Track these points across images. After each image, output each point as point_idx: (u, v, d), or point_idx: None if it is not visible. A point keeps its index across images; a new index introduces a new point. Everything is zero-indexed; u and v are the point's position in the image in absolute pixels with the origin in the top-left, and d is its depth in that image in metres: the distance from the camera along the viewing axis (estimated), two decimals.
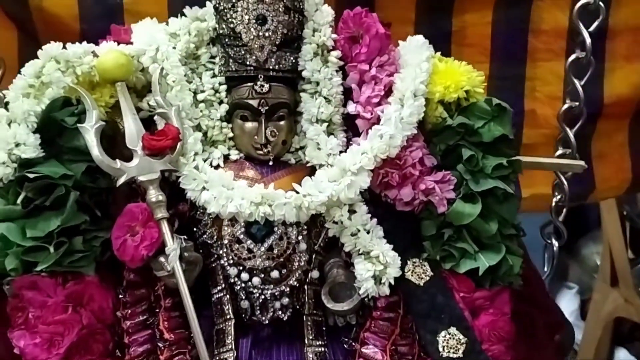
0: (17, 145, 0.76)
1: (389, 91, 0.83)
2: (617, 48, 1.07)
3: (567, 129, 1.00)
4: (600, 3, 0.95)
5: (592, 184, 1.13)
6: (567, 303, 1.97)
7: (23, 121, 0.76)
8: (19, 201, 0.75)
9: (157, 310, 0.81)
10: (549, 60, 1.05)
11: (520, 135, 1.07)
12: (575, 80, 0.98)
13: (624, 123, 1.11)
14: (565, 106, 1.01)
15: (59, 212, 0.76)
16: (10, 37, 0.99)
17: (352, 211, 0.80)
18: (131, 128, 0.77)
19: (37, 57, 0.82)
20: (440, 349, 0.78)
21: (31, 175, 0.75)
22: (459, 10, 1.03)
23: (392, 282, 0.80)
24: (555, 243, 1.07)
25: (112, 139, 0.80)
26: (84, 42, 0.83)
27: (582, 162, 0.99)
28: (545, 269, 1.08)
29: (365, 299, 0.81)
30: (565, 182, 1.02)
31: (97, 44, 0.84)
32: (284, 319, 0.81)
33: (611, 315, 1.82)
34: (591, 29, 0.96)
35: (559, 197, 1.04)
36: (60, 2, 0.98)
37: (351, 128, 0.85)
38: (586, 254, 2.12)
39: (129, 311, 0.80)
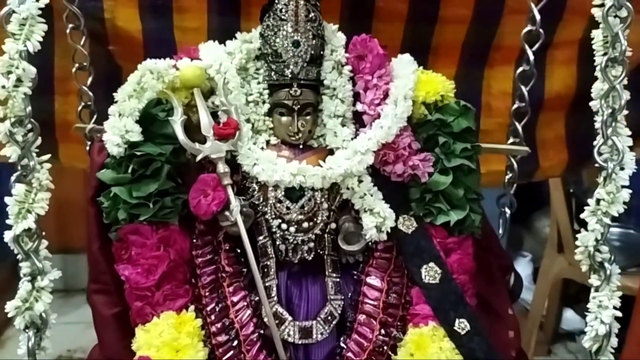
0: (127, 132, 0.98)
1: (386, 95, 1.03)
2: (557, 55, 1.27)
3: (517, 123, 1.21)
4: (541, 30, 1.15)
5: (537, 164, 1.34)
6: (522, 269, 2.12)
7: (130, 115, 0.98)
8: (128, 171, 0.98)
9: (220, 251, 1.04)
10: (502, 64, 1.26)
11: (479, 124, 1.26)
12: (522, 87, 1.19)
13: (561, 115, 1.32)
14: (515, 106, 1.21)
15: (156, 179, 0.99)
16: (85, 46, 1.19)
17: (360, 180, 1.02)
18: (205, 120, 1.00)
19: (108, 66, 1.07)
20: (423, 277, 1.01)
21: (137, 153, 0.98)
22: (439, 31, 1.25)
23: (389, 231, 1.02)
24: (508, 211, 1.27)
25: (187, 128, 1.01)
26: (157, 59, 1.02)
27: (527, 148, 1.20)
28: (500, 232, 1.27)
29: (369, 243, 1.04)
30: (515, 163, 1.22)
31: (154, 51, 1.07)
32: (309, 259, 1.05)
33: (557, 277, 2.01)
34: (534, 48, 1.16)
35: (510, 175, 1.25)
36: (128, 19, 1.19)
37: (359, 122, 1.05)
38: (538, 227, 2.30)
39: (200, 251, 1.04)
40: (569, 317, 2.26)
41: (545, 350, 2.20)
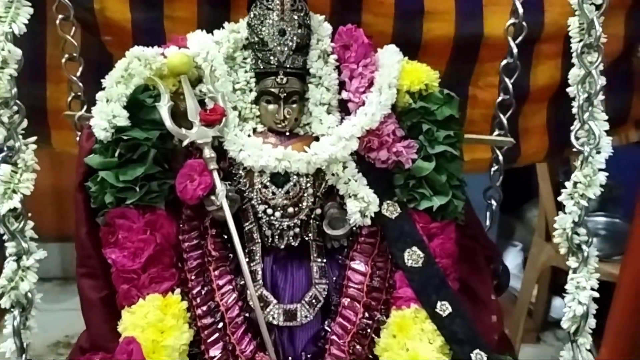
0: (114, 117, 1.00)
1: (371, 84, 1.05)
2: (543, 50, 1.29)
3: (501, 115, 1.24)
4: (524, 23, 1.18)
5: (519, 151, 1.37)
6: (513, 258, 2.15)
7: (117, 100, 1.00)
8: (115, 156, 1.00)
9: (206, 236, 1.06)
10: (490, 60, 1.27)
11: (465, 114, 1.30)
12: (506, 79, 1.21)
13: (543, 105, 1.35)
14: (500, 98, 1.23)
15: (142, 163, 1.00)
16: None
17: (345, 166, 1.04)
18: (192, 107, 1.03)
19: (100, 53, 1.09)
20: (406, 261, 1.03)
21: (124, 137, 1.00)
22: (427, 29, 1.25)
23: (373, 216, 1.04)
24: (494, 203, 1.29)
25: (175, 115, 1.03)
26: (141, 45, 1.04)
27: (511, 139, 1.22)
28: (487, 223, 1.29)
29: (354, 228, 1.06)
30: (500, 155, 1.25)
31: (144, 40, 1.07)
32: (295, 245, 1.07)
33: (545, 264, 2.03)
34: (517, 41, 1.19)
35: (496, 167, 1.27)
36: (117, 9, 1.20)
37: (344, 110, 1.07)
38: (529, 217, 2.32)
39: (187, 236, 1.05)
40: (558, 305, 2.27)
41: (533, 337, 2.24)
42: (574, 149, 0.99)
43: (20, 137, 0.97)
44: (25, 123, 0.98)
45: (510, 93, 1.24)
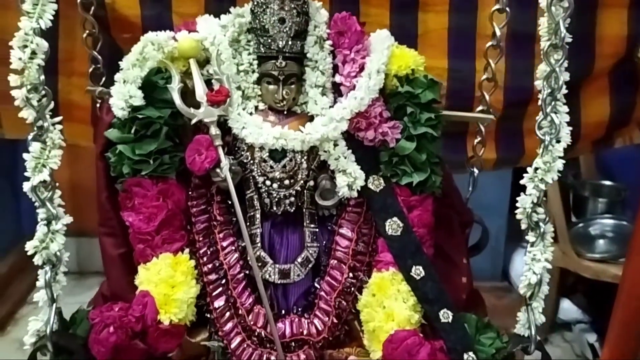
0: (130, 97, 1.11)
1: (362, 68, 1.14)
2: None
3: (485, 93, 1.31)
4: (507, 9, 1.25)
5: (522, 151, 1.46)
6: (522, 259, 2.24)
7: (133, 82, 1.11)
8: (132, 132, 1.12)
9: (212, 202, 1.19)
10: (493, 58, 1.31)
11: (471, 111, 1.37)
12: (490, 60, 1.28)
13: None
14: (483, 77, 1.31)
15: (155, 139, 1.12)
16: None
17: (335, 144, 1.15)
18: (199, 88, 1.13)
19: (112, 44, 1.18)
20: (387, 230, 1.15)
21: (139, 116, 1.11)
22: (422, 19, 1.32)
23: (359, 189, 1.15)
24: (476, 171, 1.38)
25: (184, 94, 1.14)
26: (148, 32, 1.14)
27: (491, 116, 1.30)
28: (470, 189, 1.39)
29: (342, 199, 1.18)
30: (482, 129, 1.34)
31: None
32: (291, 211, 1.19)
33: (552, 265, 2.03)
34: (501, 26, 1.26)
35: (478, 139, 1.36)
36: (127, 5, 1.30)
37: (337, 92, 1.16)
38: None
39: (195, 202, 1.18)
40: (566, 307, 2.35)
41: (542, 338, 2.25)
42: (538, 137, 1.09)
43: (48, 117, 1.09)
44: (52, 105, 1.09)
45: (493, 73, 1.32)
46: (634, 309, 1.36)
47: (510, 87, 1.38)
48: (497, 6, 1.30)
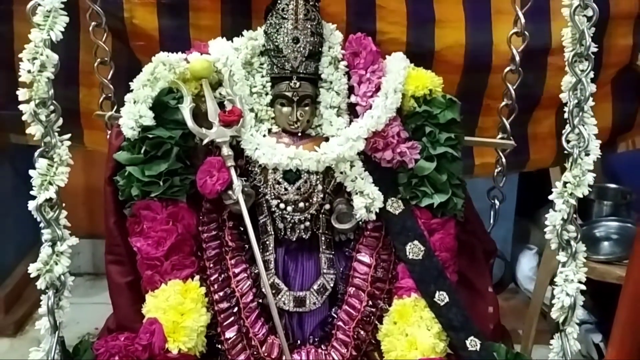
0: (141, 117, 1.09)
1: (378, 88, 1.13)
2: (556, 61, 1.31)
3: (504, 119, 1.28)
4: (526, 32, 1.22)
5: (527, 156, 1.44)
6: (528, 261, 2.20)
7: (144, 102, 1.10)
8: (141, 152, 1.09)
9: (224, 228, 1.15)
10: (502, 70, 1.29)
11: (477, 121, 1.37)
12: (509, 85, 1.26)
13: (552, 112, 1.40)
14: (503, 103, 1.28)
15: (166, 160, 1.10)
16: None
17: (352, 165, 1.12)
18: (212, 108, 1.11)
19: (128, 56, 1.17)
20: (407, 254, 1.11)
21: (150, 136, 1.09)
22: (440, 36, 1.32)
23: (377, 212, 1.12)
24: (497, 203, 1.34)
25: (196, 116, 1.12)
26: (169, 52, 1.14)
27: (512, 142, 1.27)
28: (491, 221, 1.34)
29: (360, 222, 1.14)
30: (503, 158, 1.30)
31: (170, 47, 1.15)
32: (305, 238, 1.15)
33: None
34: (520, 49, 1.24)
35: (499, 168, 1.31)
36: (145, 18, 1.29)
37: (353, 113, 1.15)
38: (544, 221, 2.33)
39: (206, 227, 1.15)
40: None
41: (546, 338, 2.18)
42: (565, 152, 1.05)
43: (56, 134, 1.06)
44: (60, 121, 1.07)
45: (512, 98, 1.29)
46: (636, 310, 1.33)
47: (517, 94, 1.32)
48: (515, 29, 1.27)
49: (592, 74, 1.04)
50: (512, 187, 1.96)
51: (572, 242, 1.05)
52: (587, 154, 1.04)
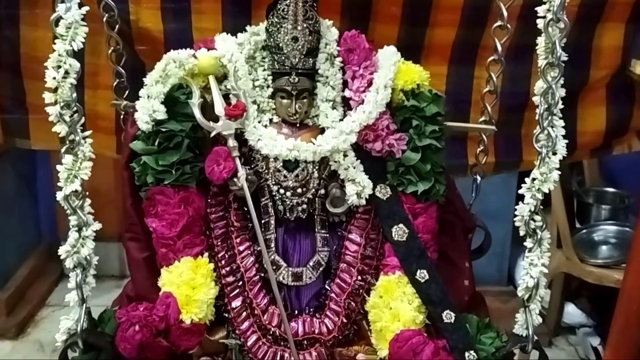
0: (154, 111, 1.18)
1: (370, 84, 1.21)
2: None
3: (486, 105, 1.36)
4: (508, 25, 1.30)
5: (521, 157, 1.52)
6: None
7: (156, 97, 1.19)
8: (155, 144, 1.19)
9: (229, 209, 1.26)
10: (492, 65, 1.36)
11: (468, 119, 1.45)
12: (492, 74, 1.34)
13: None
14: (485, 89, 1.36)
15: (177, 151, 1.19)
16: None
17: (345, 155, 1.22)
18: (218, 103, 1.20)
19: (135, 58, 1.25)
20: (393, 236, 1.22)
21: (162, 129, 1.19)
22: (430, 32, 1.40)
23: (367, 197, 1.22)
24: (479, 178, 1.43)
25: (204, 108, 1.21)
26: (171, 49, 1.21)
27: (493, 127, 1.35)
28: (473, 195, 1.45)
29: (352, 207, 1.25)
30: (485, 139, 1.39)
31: (174, 49, 1.21)
32: (303, 218, 1.26)
33: (556, 270, 2.09)
34: (502, 41, 1.32)
35: (481, 147, 1.41)
36: (150, 21, 1.37)
37: (347, 105, 1.23)
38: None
39: (214, 209, 1.26)
40: (570, 312, 2.39)
41: (546, 341, 2.29)
42: (535, 150, 1.16)
43: (79, 132, 1.17)
44: (82, 120, 1.18)
45: (494, 85, 1.38)
46: (634, 313, 1.40)
47: (507, 93, 1.42)
48: (499, 23, 1.36)
49: (562, 81, 1.13)
50: (510, 190, 2.01)
51: (538, 231, 1.18)
52: (555, 153, 1.15)
